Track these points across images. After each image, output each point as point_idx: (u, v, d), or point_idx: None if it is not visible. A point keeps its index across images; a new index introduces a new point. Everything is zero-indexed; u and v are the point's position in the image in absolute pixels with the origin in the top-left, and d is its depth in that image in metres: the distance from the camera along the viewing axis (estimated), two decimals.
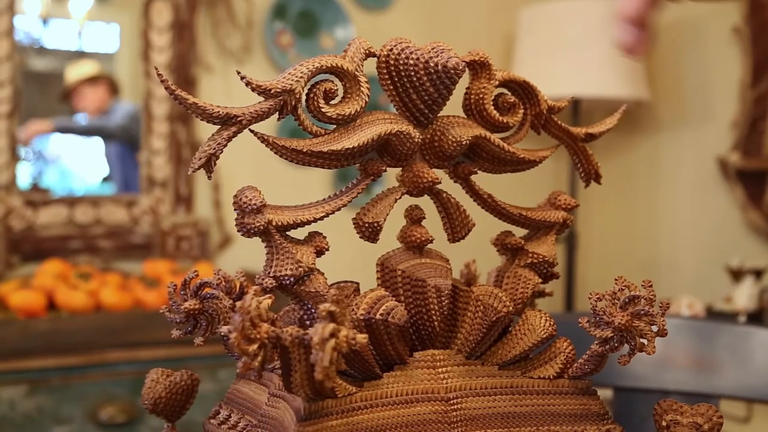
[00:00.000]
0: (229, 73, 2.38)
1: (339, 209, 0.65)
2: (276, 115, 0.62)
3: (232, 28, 2.40)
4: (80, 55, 2.39)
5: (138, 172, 2.34)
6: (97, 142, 2.47)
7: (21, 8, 2.20)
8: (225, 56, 2.40)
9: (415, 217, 0.68)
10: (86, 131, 2.44)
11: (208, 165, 0.60)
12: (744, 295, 2.05)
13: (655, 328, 0.62)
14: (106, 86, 2.38)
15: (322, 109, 0.63)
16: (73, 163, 2.44)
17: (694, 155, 2.58)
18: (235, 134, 0.61)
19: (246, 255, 2.34)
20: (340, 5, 2.53)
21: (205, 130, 2.27)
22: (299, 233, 0.64)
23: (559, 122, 0.73)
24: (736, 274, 2.14)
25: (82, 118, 2.41)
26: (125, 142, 2.42)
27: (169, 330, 0.66)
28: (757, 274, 2.13)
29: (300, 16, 2.51)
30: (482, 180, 0.72)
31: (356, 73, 0.64)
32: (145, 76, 2.31)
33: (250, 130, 0.62)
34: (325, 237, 0.65)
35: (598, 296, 0.62)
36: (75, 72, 2.33)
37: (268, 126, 1.88)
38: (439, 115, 0.68)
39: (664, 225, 2.70)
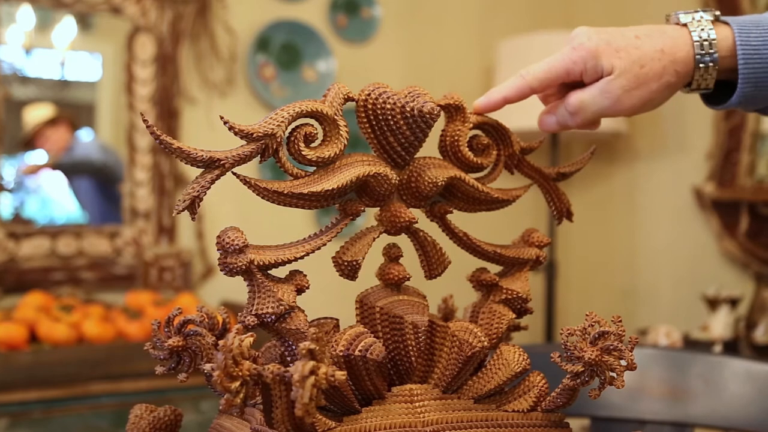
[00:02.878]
0: (212, 106, 2.41)
1: (319, 248, 0.67)
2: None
3: (215, 60, 2.43)
4: (63, 84, 2.41)
5: (111, 205, 2.35)
6: (65, 177, 2.47)
7: (4, 39, 2.22)
8: (208, 89, 2.42)
9: (392, 255, 0.70)
10: (77, 166, 2.43)
11: (193, 207, 0.62)
12: (720, 324, 2.08)
13: (624, 363, 0.64)
14: (67, 125, 2.39)
15: (303, 152, 0.65)
16: (54, 192, 2.45)
17: (671, 185, 2.62)
18: (218, 177, 0.63)
19: (228, 286, 2.35)
20: (322, 38, 2.56)
21: None
22: (280, 272, 0.66)
23: (532, 162, 0.76)
24: (712, 303, 2.18)
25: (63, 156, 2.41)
26: (97, 177, 2.43)
27: (152, 361, 0.68)
28: (733, 303, 2.16)
29: (282, 49, 2.54)
30: (465, 216, 0.75)
31: (335, 117, 0.66)
32: (128, 108, 2.33)
33: (232, 172, 0.64)
34: (305, 275, 0.67)
35: (569, 331, 0.65)
36: (33, 116, 2.34)
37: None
38: (415, 156, 0.70)
39: (641, 254, 2.74)
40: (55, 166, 2.40)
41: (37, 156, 2.34)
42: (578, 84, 0.75)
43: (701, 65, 0.72)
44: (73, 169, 2.42)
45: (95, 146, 2.45)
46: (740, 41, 0.72)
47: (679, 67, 0.73)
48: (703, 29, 0.72)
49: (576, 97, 0.74)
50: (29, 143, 2.34)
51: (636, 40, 0.72)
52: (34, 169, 2.35)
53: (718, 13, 0.74)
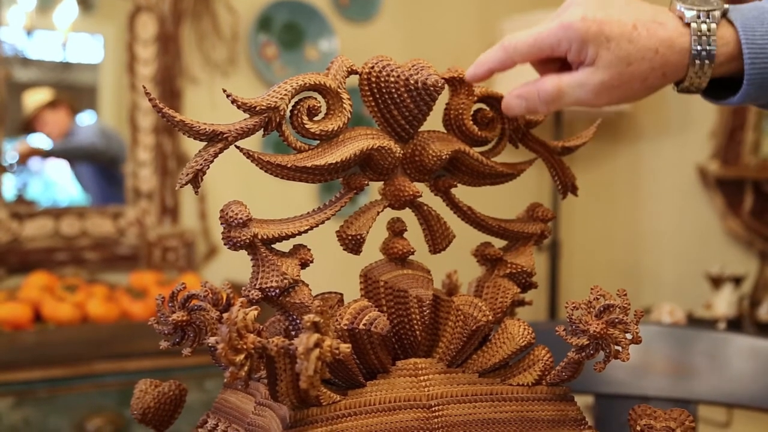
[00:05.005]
0: (215, 86, 2.40)
1: (323, 222, 0.67)
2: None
3: (217, 40, 2.41)
4: (65, 66, 2.40)
5: (114, 188, 2.35)
6: (66, 162, 2.46)
7: (4, 20, 2.21)
8: (210, 68, 2.41)
9: (397, 229, 0.70)
10: (79, 153, 2.43)
11: (195, 180, 0.62)
12: (723, 302, 2.08)
13: (629, 336, 0.64)
14: (66, 108, 2.38)
15: (306, 126, 0.65)
16: (57, 174, 2.44)
17: (674, 164, 2.61)
18: (221, 150, 0.63)
19: (232, 265, 2.35)
20: (324, 17, 2.55)
21: (191, 142, 2.29)
22: (284, 246, 0.66)
23: (536, 136, 0.75)
24: (716, 282, 2.17)
25: (61, 142, 2.41)
26: (98, 162, 2.43)
27: (156, 341, 0.68)
28: (737, 281, 2.16)
29: (285, 29, 2.53)
30: (469, 190, 0.74)
31: (339, 90, 0.66)
32: (130, 89, 2.32)
33: (235, 145, 0.64)
34: (309, 249, 0.66)
35: (574, 305, 0.64)
36: (32, 99, 2.33)
37: (253, 138, 1.89)
38: (419, 130, 0.70)
39: (645, 233, 2.73)
40: (53, 152, 2.39)
41: (37, 139, 2.34)
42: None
43: (694, 74, 0.68)
44: (71, 155, 2.41)
45: (96, 131, 2.44)
46: (747, 47, 0.66)
47: (668, 70, 0.67)
48: (704, 36, 0.67)
49: (553, 84, 0.69)
50: (28, 127, 2.34)
51: (632, 32, 0.66)
52: (30, 152, 2.34)
53: (726, 7, 0.68)
